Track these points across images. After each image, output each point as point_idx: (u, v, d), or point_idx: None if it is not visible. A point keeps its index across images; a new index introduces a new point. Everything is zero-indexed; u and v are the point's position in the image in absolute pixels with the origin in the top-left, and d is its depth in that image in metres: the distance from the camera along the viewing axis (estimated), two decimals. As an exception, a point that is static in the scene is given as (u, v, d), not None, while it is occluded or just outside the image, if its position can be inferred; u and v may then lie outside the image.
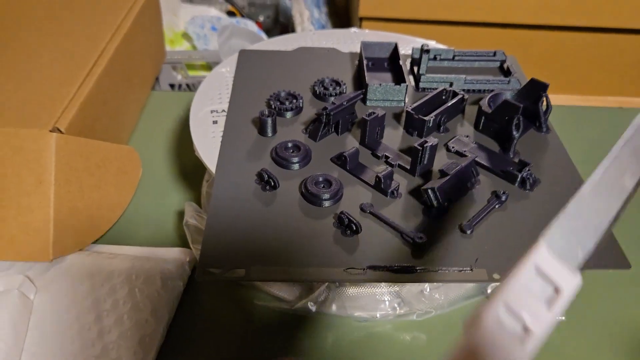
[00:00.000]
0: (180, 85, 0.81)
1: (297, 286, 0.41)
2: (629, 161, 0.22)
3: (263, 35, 0.92)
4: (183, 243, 0.45)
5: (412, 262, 0.32)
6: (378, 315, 0.40)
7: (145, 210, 0.49)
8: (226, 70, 0.49)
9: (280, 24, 1.07)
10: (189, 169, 0.53)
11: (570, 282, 0.19)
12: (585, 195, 0.21)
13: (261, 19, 1.11)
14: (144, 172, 0.51)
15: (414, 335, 0.40)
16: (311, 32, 0.57)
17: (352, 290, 0.41)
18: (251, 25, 0.92)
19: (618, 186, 0.21)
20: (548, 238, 0.20)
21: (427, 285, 0.41)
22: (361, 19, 0.79)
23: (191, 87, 0.81)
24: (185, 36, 0.91)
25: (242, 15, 1.03)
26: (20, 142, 0.39)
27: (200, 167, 0.47)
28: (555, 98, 0.82)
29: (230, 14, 1.05)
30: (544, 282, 0.19)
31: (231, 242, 0.33)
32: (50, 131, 0.40)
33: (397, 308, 0.41)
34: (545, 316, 0.19)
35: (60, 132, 0.40)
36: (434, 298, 0.41)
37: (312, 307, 0.40)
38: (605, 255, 0.33)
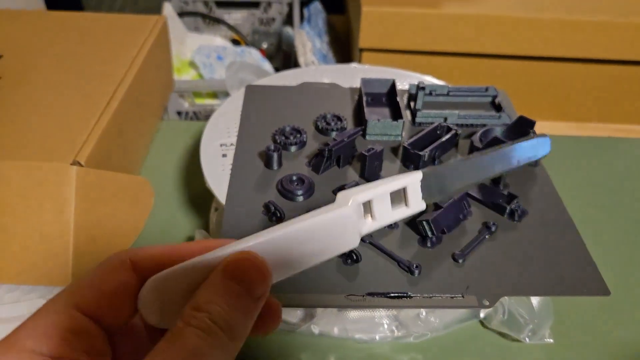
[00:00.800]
0: (187, 113, 0.84)
1: (301, 310, 0.44)
2: (506, 157, 0.35)
3: (266, 63, 0.95)
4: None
5: (408, 289, 0.35)
6: (377, 338, 0.43)
7: (156, 236, 0.51)
8: (234, 106, 0.52)
9: (283, 52, 1.11)
10: (197, 197, 0.56)
11: (417, 206, 0.29)
12: (464, 161, 0.32)
13: (264, 46, 1.15)
14: (154, 200, 0.53)
15: (411, 356, 0.43)
16: (313, 67, 0.60)
17: (353, 314, 0.43)
18: (255, 53, 0.96)
19: (488, 167, 0.34)
20: (425, 172, 0.29)
21: (423, 310, 0.43)
22: (361, 50, 0.82)
23: (198, 115, 0.84)
24: (192, 65, 0.94)
25: (247, 44, 1.06)
26: (43, 174, 0.42)
27: (208, 195, 0.50)
28: (548, 125, 0.85)
29: (235, 42, 1.09)
30: (401, 195, 0.29)
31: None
32: (71, 164, 0.43)
33: (395, 331, 0.43)
34: (390, 214, 0.28)
35: (80, 165, 0.43)
36: (429, 321, 0.43)
37: (315, 330, 0.43)
38: (585, 282, 0.36)
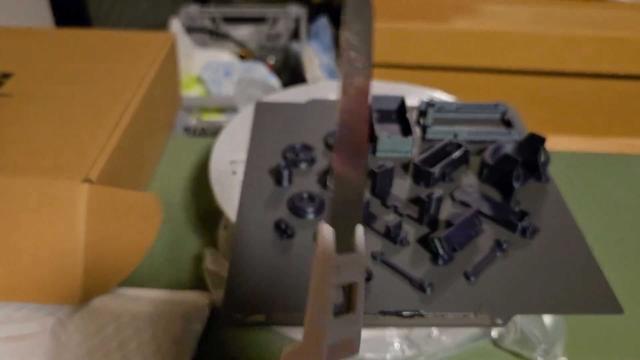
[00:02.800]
0: (194, 129, 0.85)
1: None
2: None
3: (274, 78, 0.96)
4: (200, 285, 0.48)
5: (420, 307, 0.35)
6: (388, 357, 0.42)
7: (164, 253, 0.51)
8: (243, 122, 0.52)
9: (290, 67, 1.12)
10: (206, 214, 0.56)
11: None
12: None
13: (272, 61, 1.16)
14: (163, 217, 0.53)
15: (422, 375, 0.42)
16: (321, 83, 0.60)
17: (363, 333, 0.43)
18: (262, 69, 0.96)
19: None
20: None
21: (434, 329, 0.43)
22: (369, 65, 0.83)
23: (205, 131, 0.84)
24: (199, 80, 0.95)
25: (254, 59, 1.07)
26: (55, 192, 0.42)
27: (216, 212, 0.50)
28: (558, 140, 0.85)
29: (242, 57, 1.10)
30: None
31: (252, 289, 0.36)
32: (83, 182, 0.43)
33: (406, 350, 0.43)
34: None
35: (92, 182, 0.43)
36: (441, 341, 0.43)
37: (326, 349, 0.42)
38: (598, 301, 0.36)
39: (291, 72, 1.11)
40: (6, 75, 0.55)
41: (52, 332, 0.41)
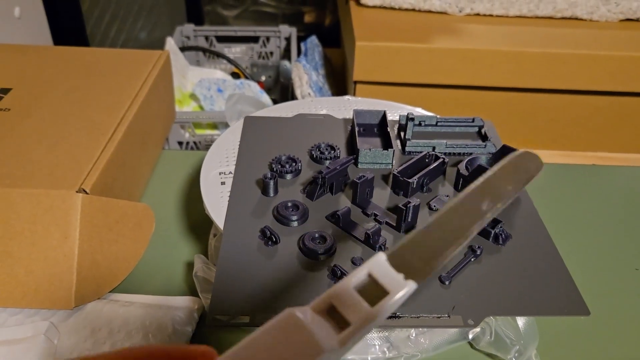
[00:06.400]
0: (187, 143, 0.87)
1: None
2: (492, 188, 0.26)
3: (264, 95, 0.98)
4: (191, 291, 0.50)
5: (397, 309, 0.37)
6: (369, 359, 0.44)
7: (157, 261, 0.53)
8: (232, 136, 0.55)
9: (281, 84, 1.15)
10: (197, 223, 0.58)
11: (398, 287, 0.22)
12: (440, 216, 0.24)
13: (263, 79, 1.19)
14: (155, 226, 0.55)
15: (402, 377, 0.44)
16: (309, 99, 0.63)
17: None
18: (254, 86, 0.99)
19: (475, 209, 0.25)
20: (390, 251, 0.23)
21: (413, 331, 0.45)
22: (355, 82, 0.86)
23: (198, 145, 0.86)
24: (193, 97, 0.98)
25: (246, 77, 1.10)
26: (50, 202, 0.44)
27: (207, 222, 0.52)
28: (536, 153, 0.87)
29: (235, 75, 1.13)
30: (374, 285, 0.22)
31: (237, 292, 0.38)
32: (77, 192, 0.45)
33: (387, 352, 0.45)
34: (367, 312, 0.21)
35: (86, 192, 0.46)
36: (419, 342, 0.45)
37: (309, 351, 0.44)
38: (566, 303, 0.38)
39: (282, 89, 1.14)
40: (4, 90, 0.58)
41: (45, 336, 0.42)
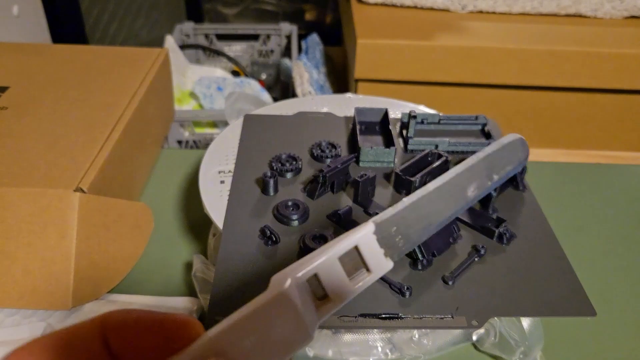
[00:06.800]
0: (187, 142, 0.86)
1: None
2: (479, 175, 0.25)
3: (265, 93, 0.98)
4: (190, 292, 0.49)
5: (399, 310, 0.36)
6: (371, 360, 0.44)
7: (155, 261, 0.53)
8: (232, 134, 0.54)
9: (281, 83, 1.14)
10: (196, 223, 0.57)
11: (381, 267, 0.22)
12: (427, 194, 0.24)
13: (263, 77, 1.18)
14: (154, 225, 0.55)
15: (404, 379, 0.43)
16: (310, 97, 0.62)
17: (347, 337, 0.44)
18: (254, 84, 0.98)
19: (461, 194, 0.25)
20: (378, 223, 0.22)
21: (416, 332, 0.44)
22: (357, 80, 0.85)
23: (197, 144, 0.86)
24: (193, 95, 0.97)
25: (246, 75, 1.09)
26: (47, 201, 0.44)
27: (206, 221, 0.51)
28: (538, 152, 0.87)
29: (235, 73, 1.12)
30: (358, 260, 0.22)
31: (237, 293, 0.37)
32: (74, 191, 0.44)
33: (389, 353, 0.44)
34: (347, 288, 0.21)
35: (83, 191, 0.45)
36: (422, 344, 0.44)
37: (310, 352, 0.43)
38: (572, 304, 0.37)
39: (282, 87, 1.14)
40: (2, 89, 0.57)
41: (42, 337, 0.41)
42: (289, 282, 0.20)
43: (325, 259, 0.21)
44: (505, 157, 0.27)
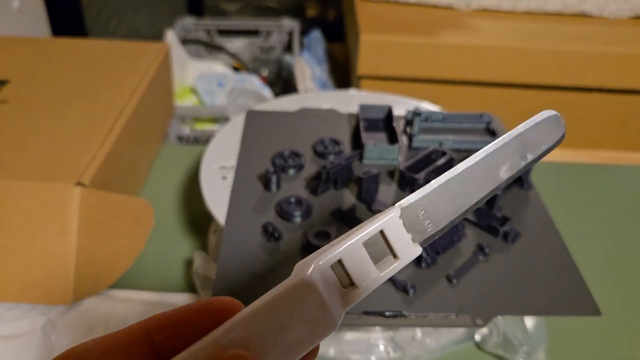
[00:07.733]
0: (188, 138, 0.86)
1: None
2: (512, 154, 0.24)
3: (266, 89, 0.97)
4: (191, 288, 0.49)
5: (403, 308, 0.36)
6: (373, 359, 0.43)
7: (156, 257, 0.52)
8: (234, 130, 0.54)
9: (283, 79, 1.13)
10: (196, 219, 0.57)
11: (408, 253, 0.21)
12: (456, 175, 0.23)
13: (265, 73, 1.17)
14: (154, 221, 0.54)
15: (406, 378, 0.43)
16: (312, 93, 0.62)
17: (349, 335, 0.44)
18: (255, 80, 0.98)
19: (492, 175, 0.24)
20: (404, 207, 0.21)
21: (418, 331, 0.44)
22: (359, 77, 0.84)
23: (198, 140, 0.85)
24: (193, 91, 0.96)
25: (247, 71, 1.09)
26: (48, 195, 0.43)
27: (207, 217, 0.51)
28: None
29: (236, 69, 1.11)
30: (384, 246, 0.21)
31: (239, 289, 0.37)
32: (75, 185, 0.44)
33: (391, 352, 0.44)
34: (374, 274, 0.20)
35: (84, 185, 0.44)
36: (425, 343, 0.44)
37: (312, 351, 0.43)
38: (577, 303, 0.37)
39: (284, 84, 1.13)
40: (3, 82, 0.57)
41: (42, 331, 0.41)
42: (312, 268, 0.19)
43: (350, 244, 0.20)
44: (541, 134, 0.26)
